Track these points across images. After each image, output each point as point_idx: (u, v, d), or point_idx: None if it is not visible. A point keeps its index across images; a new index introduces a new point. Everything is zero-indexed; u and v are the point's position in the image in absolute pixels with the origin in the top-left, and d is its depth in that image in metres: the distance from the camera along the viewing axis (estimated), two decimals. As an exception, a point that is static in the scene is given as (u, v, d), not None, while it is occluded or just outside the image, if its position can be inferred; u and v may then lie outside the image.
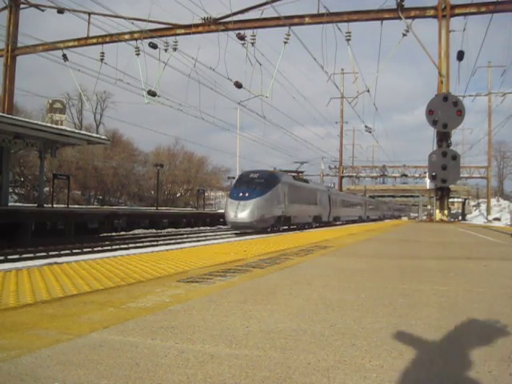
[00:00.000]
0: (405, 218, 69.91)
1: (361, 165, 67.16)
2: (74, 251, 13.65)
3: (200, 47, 26.05)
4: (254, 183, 21.48)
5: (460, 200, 64.91)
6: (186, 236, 21.23)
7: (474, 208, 60.79)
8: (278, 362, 1.70)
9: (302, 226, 24.72)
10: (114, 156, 50.38)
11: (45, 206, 23.27)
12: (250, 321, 2.31)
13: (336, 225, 30.01)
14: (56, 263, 4.34)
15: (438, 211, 23.08)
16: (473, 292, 3.33)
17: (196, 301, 2.74)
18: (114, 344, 1.88)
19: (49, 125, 21.97)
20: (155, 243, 16.67)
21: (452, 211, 34.17)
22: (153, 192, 51.97)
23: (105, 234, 19.49)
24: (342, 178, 63.78)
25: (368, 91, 24.31)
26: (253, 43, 22.69)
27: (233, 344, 1.92)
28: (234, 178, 56.24)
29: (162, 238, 19.73)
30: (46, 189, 34.13)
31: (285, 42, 23.05)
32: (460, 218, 55.26)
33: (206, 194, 58.29)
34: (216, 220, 31.21)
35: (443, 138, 22.17)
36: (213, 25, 24.10)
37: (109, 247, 15.20)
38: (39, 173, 24.39)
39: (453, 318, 2.48)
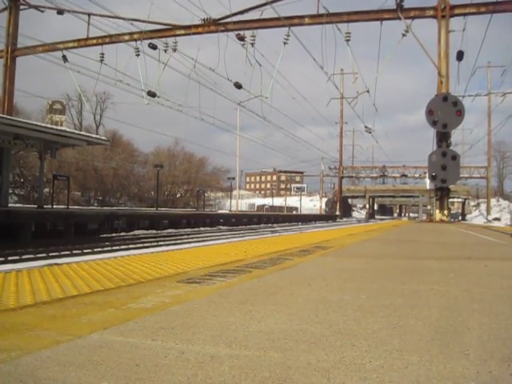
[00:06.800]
0: (405, 218, 69.92)
1: (361, 165, 67.43)
2: (74, 252, 13.65)
3: (200, 48, 26.06)
4: None
5: (460, 200, 65.04)
6: (186, 237, 21.22)
7: (474, 208, 60.88)
8: (278, 363, 1.70)
9: None
10: (113, 157, 50.41)
11: (45, 206, 23.26)
12: (250, 321, 2.31)
13: (337, 224, 29.99)
14: (56, 264, 4.34)
15: (437, 211, 23.08)
16: (473, 292, 3.33)
17: (196, 301, 2.74)
18: (114, 345, 1.88)
19: (49, 126, 22.01)
20: (155, 244, 16.67)
21: (452, 211, 34.18)
22: (153, 193, 52.00)
23: (105, 235, 19.48)
24: (341, 178, 63.88)
25: (368, 92, 24.36)
26: (252, 44, 22.74)
27: (233, 344, 1.92)
28: (233, 178, 56.46)
29: (162, 238, 19.72)
30: (46, 190, 34.12)
31: (284, 43, 23.10)
32: (460, 218, 55.40)
33: (206, 195, 58.33)
34: (216, 221, 31.21)
35: (443, 138, 22.19)
36: (212, 25, 24.13)
37: (109, 248, 15.19)
38: (39, 174, 24.40)
39: (453, 318, 2.48)
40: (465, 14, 21.93)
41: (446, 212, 22.88)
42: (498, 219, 44.23)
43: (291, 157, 73.85)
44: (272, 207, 72.18)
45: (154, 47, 23.72)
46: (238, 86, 23.80)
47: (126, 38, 25.21)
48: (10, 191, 32.39)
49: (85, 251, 13.84)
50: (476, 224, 29.58)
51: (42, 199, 24.20)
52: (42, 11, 27.10)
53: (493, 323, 2.37)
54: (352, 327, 2.24)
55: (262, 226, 34.57)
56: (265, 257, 5.35)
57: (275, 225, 36.42)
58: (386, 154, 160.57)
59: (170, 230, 24.09)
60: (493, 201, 55.89)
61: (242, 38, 22.91)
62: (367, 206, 73.10)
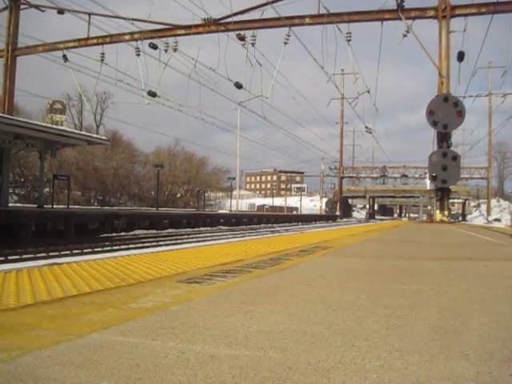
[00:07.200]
0: (405, 219, 69.98)
1: (361, 165, 67.42)
2: (74, 252, 13.65)
3: (200, 48, 26.19)
4: None
5: (460, 201, 65.06)
6: (186, 237, 21.22)
7: (475, 209, 60.92)
8: (278, 363, 1.70)
9: None
10: (114, 156, 50.44)
11: (45, 206, 23.27)
12: (250, 321, 2.31)
13: (337, 225, 29.98)
14: (56, 264, 4.34)
15: (438, 212, 23.07)
16: (473, 292, 3.33)
17: (196, 301, 2.74)
18: (114, 345, 1.88)
19: (49, 125, 22.02)
20: (155, 244, 16.67)
21: (452, 212, 34.18)
22: (153, 192, 52.01)
23: (105, 235, 19.48)
24: (342, 178, 63.86)
25: (368, 92, 24.34)
26: (253, 44, 22.72)
27: (233, 344, 1.92)
28: (234, 178, 56.49)
29: (163, 238, 19.73)
30: (46, 189, 34.14)
31: (285, 43, 23.08)
32: (460, 218, 55.40)
33: (207, 195, 58.32)
34: (216, 221, 31.21)
35: (443, 138, 22.17)
36: (213, 25, 24.12)
37: (109, 248, 15.19)
38: (39, 173, 24.40)
39: (453, 318, 2.48)
40: (465, 15, 21.91)
41: (446, 212, 22.86)
42: (498, 220, 44.23)
43: (291, 157, 73.92)
44: (272, 207, 72.17)
45: (154, 47, 23.72)
46: (239, 86, 23.79)
47: (127, 37, 25.20)
48: (11, 191, 32.40)
49: (85, 251, 13.83)
50: (476, 224, 29.57)
51: (43, 199, 24.21)
52: (43, 11, 27.10)
53: (493, 323, 2.37)
54: (352, 327, 2.24)
55: (262, 226, 34.57)
56: (265, 257, 5.35)
57: (275, 225, 36.42)
58: (386, 154, 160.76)
59: (170, 230, 24.11)
60: (493, 201, 55.88)
61: (242, 38, 22.90)
62: (367, 206, 73.09)
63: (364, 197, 71.13)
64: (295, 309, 2.63)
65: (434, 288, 3.45)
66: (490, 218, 46.71)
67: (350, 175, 65.51)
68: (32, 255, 12.36)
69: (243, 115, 44.18)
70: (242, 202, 68.83)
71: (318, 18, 22.89)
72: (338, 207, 62.66)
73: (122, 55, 25.04)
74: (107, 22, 36.08)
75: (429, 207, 44.17)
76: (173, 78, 59.72)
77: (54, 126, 22.67)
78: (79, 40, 26.65)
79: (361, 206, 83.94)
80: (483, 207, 56.81)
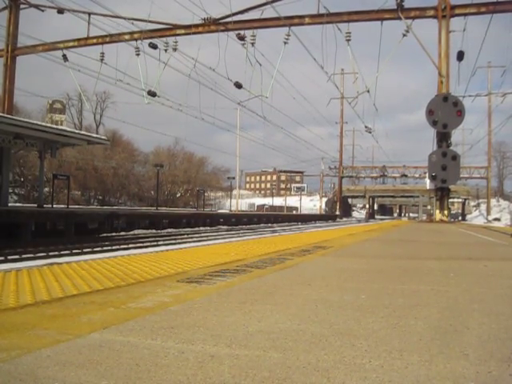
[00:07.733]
0: (404, 218, 70.03)
1: (361, 165, 67.39)
2: (73, 251, 13.65)
3: (200, 47, 26.31)
4: None
5: (460, 200, 65.13)
6: (186, 236, 21.23)
7: (474, 208, 60.97)
8: (277, 363, 1.70)
9: None
10: (113, 156, 50.46)
11: (45, 206, 23.27)
12: (249, 321, 2.31)
13: (337, 224, 29.97)
14: (56, 263, 4.34)
15: (437, 211, 23.08)
16: (473, 292, 3.33)
17: (196, 301, 2.74)
18: (114, 344, 1.88)
19: (49, 125, 22.02)
20: (155, 243, 16.68)
21: (452, 211, 34.19)
22: (153, 192, 52.04)
23: (105, 235, 19.49)
24: (341, 178, 63.86)
25: (368, 91, 24.35)
26: (253, 43, 22.72)
27: (233, 344, 1.92)
28: (233, 178, 56.49)
29: (162, 238, 19.73)
30: (46, 189, 34.16)
31: (285, 43, 23.08)
32: (460, 218, 55.45)
33: (206, 195, 58.31)
34: (216, 221, 31.20)
35: (443, 138, 22.19)
36: (213, 25, 24.12)
37: (109, 247, 15.19)
38: (39, 173, 24.41)
39: (453, 318, 2.48)
40: (465, 14, 21.92)
41: (446, 212, 22.87)
42: (498, 219, 44.24)
43: (291, 157, 73.91)
44: (272, 207, 72.19)
45: (154, 47, 23.71)
46: (238, 85, 23.80)
47: (127, 37, 25.19)
48: (10, 190, 32.40)
49: (85, 250, 13.83)
50: (476, 224, 29.58)
51: (42, 198, 24.21)
52: (43, 10, 27.09)
53: (493, 323, 2.37)
54: (352, 327, 2.24)
55: (261, 225, 34.58)
56: (265, 256, 5.35)
57: (275, 225, 36.42)
58: (386, 153, 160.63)
59: (169, 230, 24.11)
60: (493, 201, 55.90)
61: (242, 38, 22.90)
62: (367, 205, 73.12)
63: (364, 196, 71.15)
64: (295, 309, 2.63)
65: (434, 288, 3.45)
66: (490, 218, 46.73)
67: (350, 175, 65.51)
68: (32, 255, 12.36)
69: (243, 115, 44.23)
70: (242, 201, 68.82)
71: (318, 18, 22.89)
72: (337, 207, 62.66)
73: (121, 55, 25.07)
74: (107, 22, 36.11)
75: (428, 207, 44.22)
76: (173, 77, 59.77)
77: (54, 126, 22.68)
78: (79, 40, 26.65)
79: (361, 205, 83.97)
80: (483, 207, 56.84)
